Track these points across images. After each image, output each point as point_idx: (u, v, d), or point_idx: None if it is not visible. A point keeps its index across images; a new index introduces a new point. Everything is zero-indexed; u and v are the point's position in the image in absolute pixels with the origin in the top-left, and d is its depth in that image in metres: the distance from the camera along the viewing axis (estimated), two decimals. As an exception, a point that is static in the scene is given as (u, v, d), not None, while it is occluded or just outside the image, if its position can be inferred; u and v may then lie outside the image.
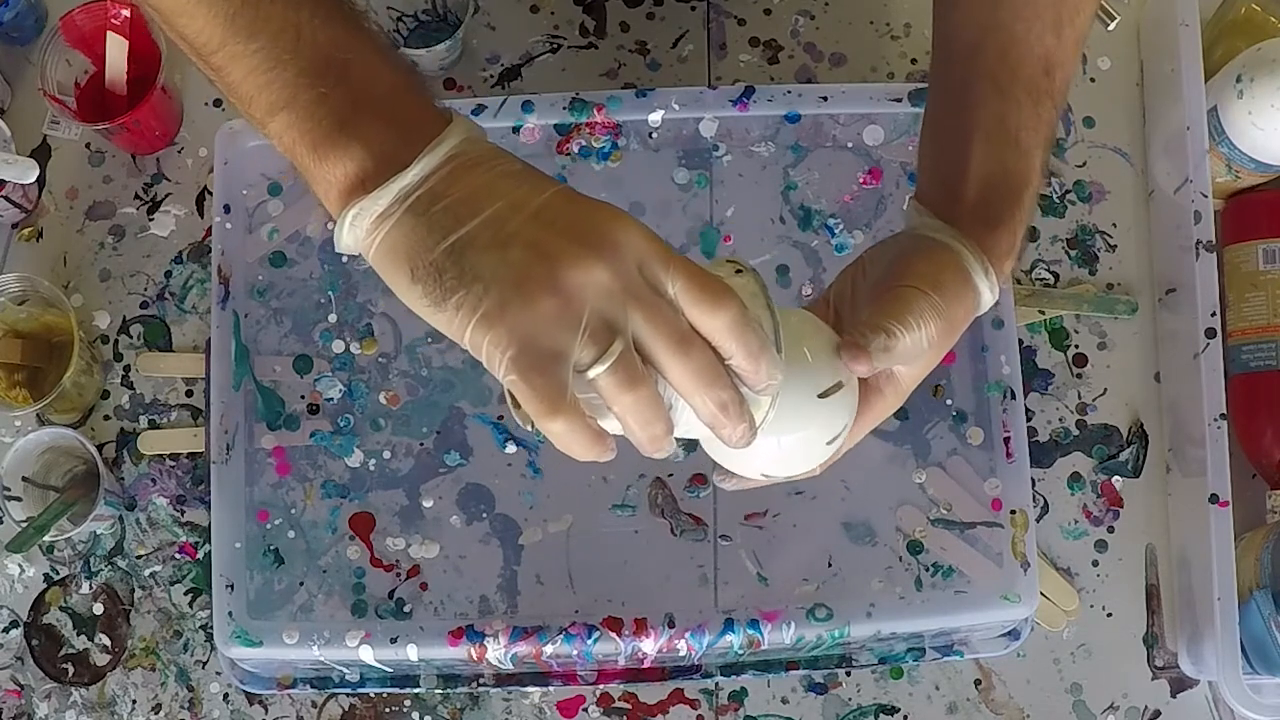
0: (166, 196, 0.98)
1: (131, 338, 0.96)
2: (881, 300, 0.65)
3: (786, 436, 0.64)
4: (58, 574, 0.93)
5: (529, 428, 0.59)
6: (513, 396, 0.60)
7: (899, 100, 0.92)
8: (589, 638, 0.82)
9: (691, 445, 0.91)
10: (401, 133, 0.58)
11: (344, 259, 0.94)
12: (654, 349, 0.57)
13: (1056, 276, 0.97)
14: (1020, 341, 0.93)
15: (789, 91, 0.92)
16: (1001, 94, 0.70)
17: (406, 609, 0.89)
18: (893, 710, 0.91)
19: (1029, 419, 0.93)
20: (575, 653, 0.83)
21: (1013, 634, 0.89)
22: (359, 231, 0.57)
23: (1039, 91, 0.70)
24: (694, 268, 0.57)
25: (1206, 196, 0.90)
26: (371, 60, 0.59)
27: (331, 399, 0.92)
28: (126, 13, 0.93)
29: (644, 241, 0.57)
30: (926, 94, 0.76)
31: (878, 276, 0.68)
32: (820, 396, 0.63)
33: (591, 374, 0.56)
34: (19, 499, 0.89)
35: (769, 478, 0.67)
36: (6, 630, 0.92)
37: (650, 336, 0.56)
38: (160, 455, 0.94)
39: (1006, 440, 0.88)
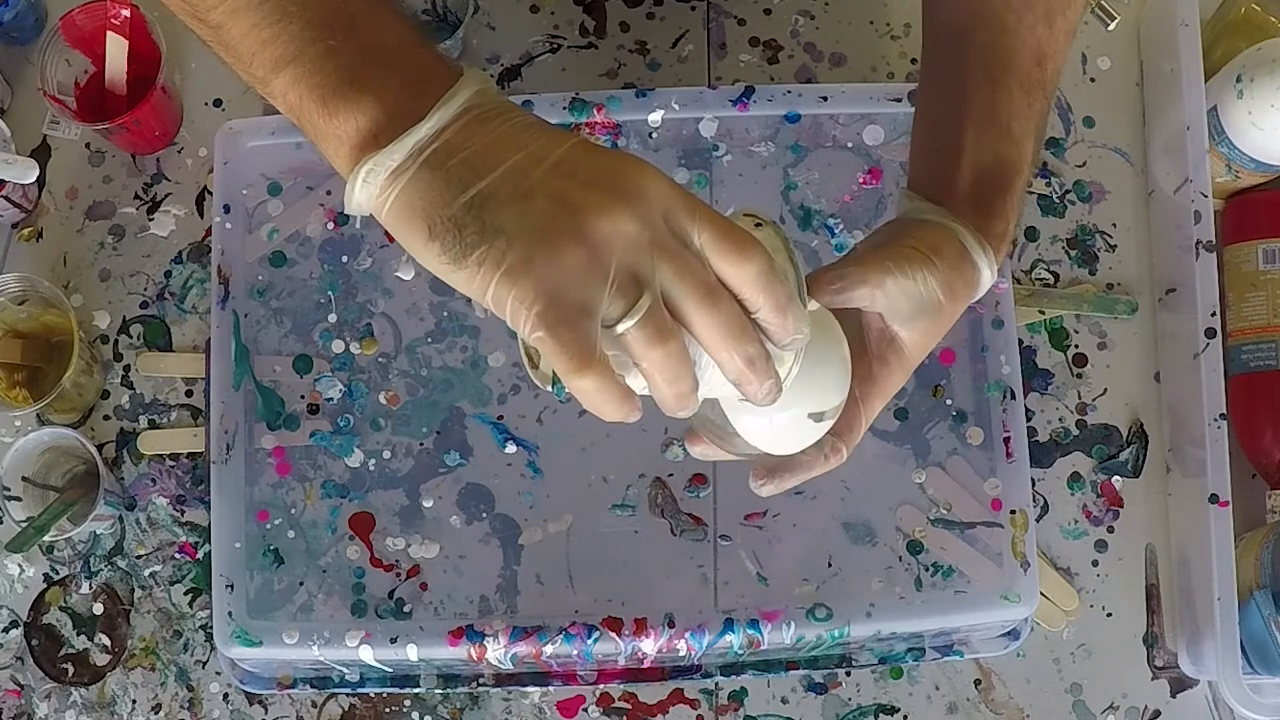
0: (166, 196, 0.98)
1: (131, 338, 0.96)
2: (877, 251, 0.65)
3: (778, 415, 0.63)
4: (58, 574, 0.93)
5: (548, 388, 0.58)
6: (530, 357, 0.59)
7: (899, 100, 0.92)
8: (589, 638, 0.82)
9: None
10: (414, 85, 0.56)
11: (344, 259, 0.94)
12: (681, 302, 0.55)
13: (1056, 276, 0.97)
14: (1020, 341, 0.93)
15: (789, 91, 0.92)
16: (993, 84, 0.70)
17: (406, 609, 0.89)
18: (893, 710, 0.91)
19: (1029, 419, 0.93)
20: (575, 653, 0.83)
21: (1013, 634, 0.89)
22: (372, 189, 0.55)
23: (1030, 82, 0.70)
24: (720, 218, 0.56)
25: (1206, 196, 0.90)
26: (379, 13, 0.57)
27: (331, 399, 0.92)
28: (126, 13, 0.92)
29: (669, 191, 0.55)
30: (919, 82, 0.76)
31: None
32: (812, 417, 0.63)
33: (620, 328, 0.54)
34: (19, 499, 0.89)
35: (745, 455, 0.66)
36: (6, 630, 0.92)
37: (678, 289, 0.55)
38: (160, 455, 0.94)
39: (1006, 440, 0.88)
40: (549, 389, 0.58)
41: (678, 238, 0.55)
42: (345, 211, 0.57)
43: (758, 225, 0.59)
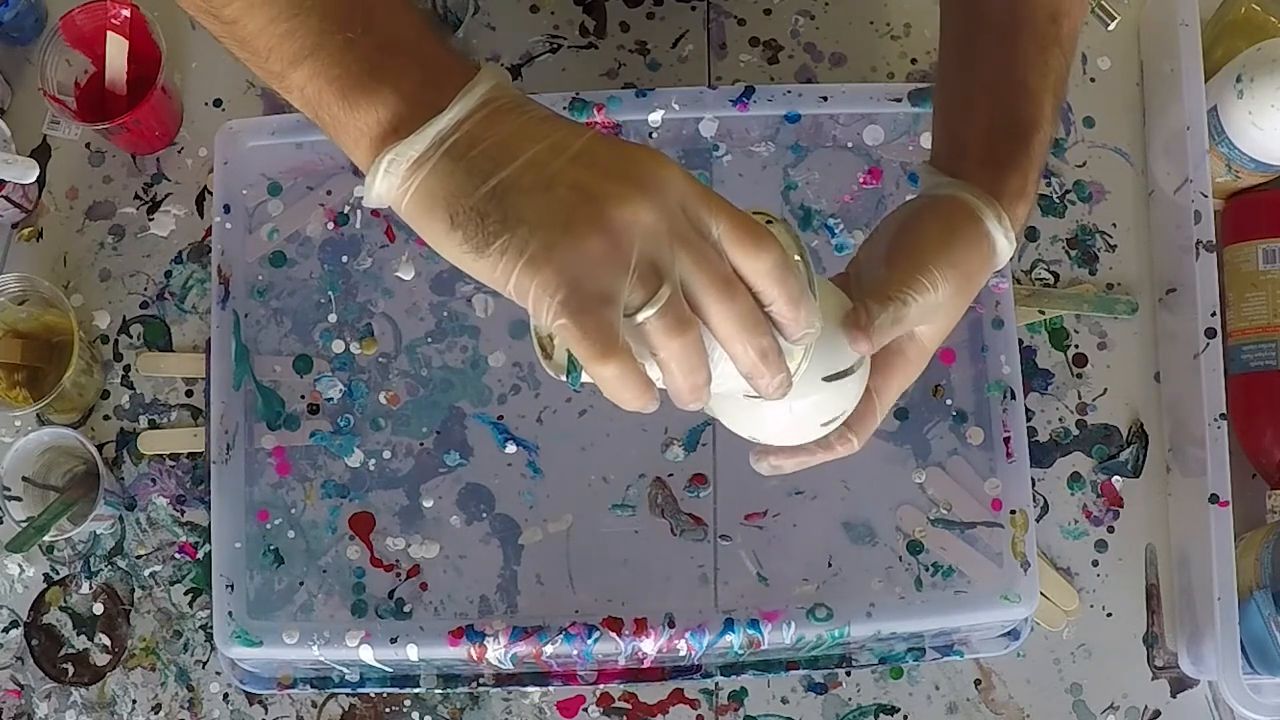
0: (166, 196, 0.98)
1: (131, 338, 0.96)
2: (891, 265, 0.65)
3: (798, 402, 0.63)
4: (58, 574, 0.93)
5: (562, 378, 0.58)
6: (544, 348, 0.59)
7: (899, 100, 0.92)
8: (589, 638, 0.82)
9: (692, 445, 0.91)
10: (433, 78, 0.56)
11: (344, 259, 0.94)
12: (699, 293, 0.55)
13: (1056, 276, 0.97)
14: (1020, 341, 0.93)
15: (789, 91, 0.92)
16: (1007, 42, 0.70)
17: (406, 609, 0.89)
18: (893, 710, 0.91)
19: (1029, 419, 0.93)
20: (575, 653, 0.83)
21: (1013, 634, 0.89)
22: (393, 179, 0.55)
23: (1046, 39, 0.70)
24: (736, 210, 0.56)
25: (1206, 196, 0.90)
26: (393, 6, 0.58)
27: (331, 399, 0.92)
28: (126, 13, 0.92)
29: (686, 182, 0.55)
30: (937, 55, 0.76)
31: (888, 241, 0.67)
32: (829, 378, 0.62)
33: (641, 317, 0.54)
34: (19, 499, 0.89)
35: (756, 439, 0.67)
36: (6, 630, 0.92)
37: (696, 280, 0.55)
38: (160, 455, 0.94)
39: (1006, 440, 0.88)
40: (563, 379, 0.58)
41: (696, 229, 0.55)
42: (365, 204, 0.57)
43: (769, 222, 0.59)
